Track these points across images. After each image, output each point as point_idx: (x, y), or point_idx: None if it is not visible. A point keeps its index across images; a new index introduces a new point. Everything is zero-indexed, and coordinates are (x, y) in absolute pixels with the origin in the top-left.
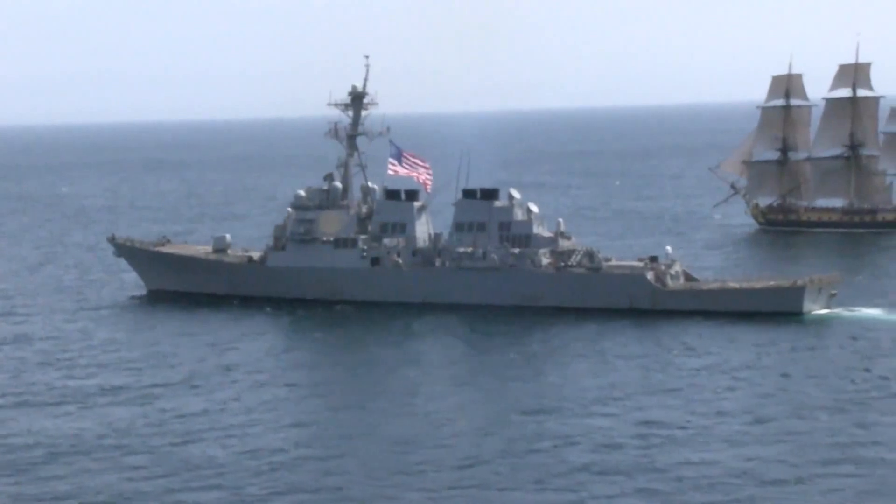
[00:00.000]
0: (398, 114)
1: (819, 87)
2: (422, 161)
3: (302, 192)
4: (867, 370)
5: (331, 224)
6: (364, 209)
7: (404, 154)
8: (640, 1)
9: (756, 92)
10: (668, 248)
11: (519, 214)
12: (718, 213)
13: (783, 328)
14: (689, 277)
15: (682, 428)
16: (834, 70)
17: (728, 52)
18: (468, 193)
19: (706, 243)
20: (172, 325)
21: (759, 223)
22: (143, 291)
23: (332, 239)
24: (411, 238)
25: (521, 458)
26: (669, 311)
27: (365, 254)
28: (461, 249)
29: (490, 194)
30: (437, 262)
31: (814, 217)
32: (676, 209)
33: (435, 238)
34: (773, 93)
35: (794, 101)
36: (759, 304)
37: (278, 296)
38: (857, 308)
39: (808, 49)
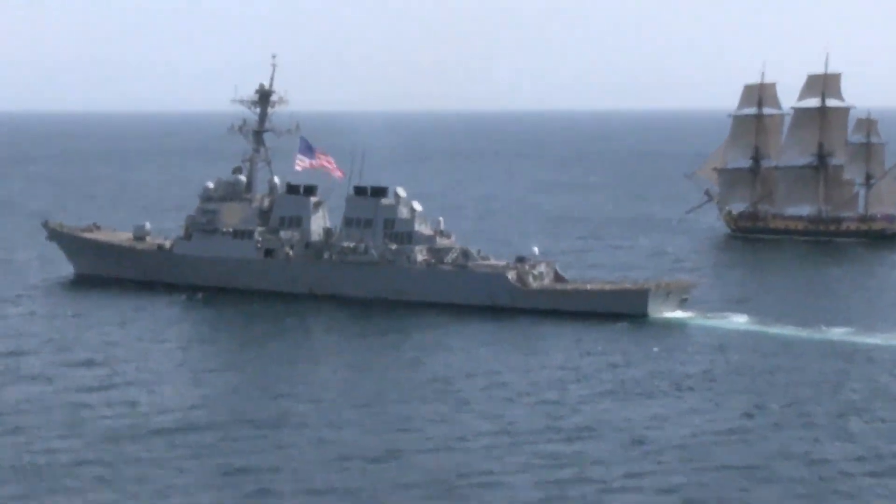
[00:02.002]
0: (313, 111)
1: (791, 97)
2: (328, 159)
3: (210, 185)
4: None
5: (232, 216)
6: (266, 202)
7: (316, 150)
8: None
9: (728, 101)
10: (535, 248)
11: (403, 212)
12: (691, 217)
13: (605, 329)
14: (558, 277)
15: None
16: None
17: (699, 60)
18: (359, 190)
19: (675, 247)
20: (80, 306)
21: (731, 229)
22: (72, 274)
23: (231, 230)
24: (306, 231)
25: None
26: (529, 310)
27: (259, 245)
28: (345, 244)
29: (379, 192)
30: (326, 256)
31: (781, 225)
32: (651, 212)
33: (326, 233)
34: (745, 101)
35: (767, 110)
36: (608, 305)
37: (185, 283)
38: (721, 314)
39: (780, 59)
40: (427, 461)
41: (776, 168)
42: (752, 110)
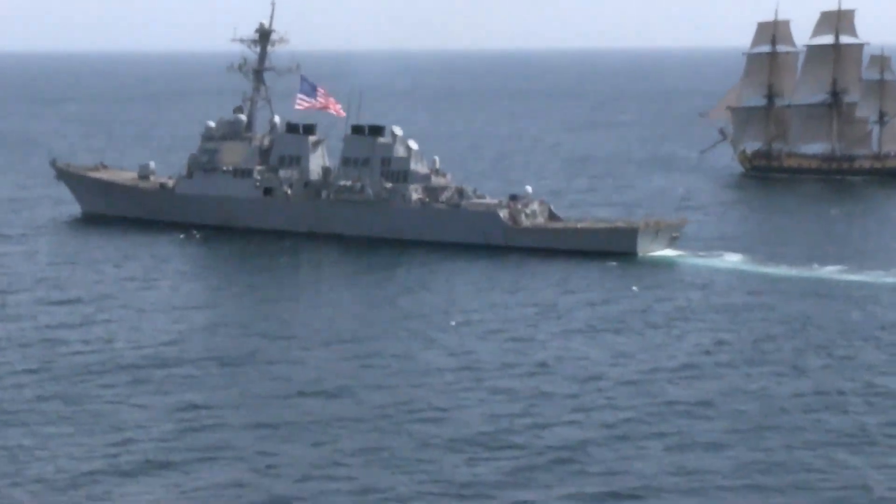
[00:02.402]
0: (316, 51)
1: (805, 35)
2: (330, 97)
3: (212, 124)
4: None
5: (232, 154)
6: (267, 142)
7: (319, 88)
8: None
9: (741, 38)
10: (528, 187)
11: (400, 151)
12: (707, 157)
13: (593, 267)
14: (552, 216)
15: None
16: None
17: None
18: (356, 129)
19: (689, 187)
20: (79, 245)
21: (746, 169)
22: (79, 213)
23: (231, 169)
24: (305, 170)
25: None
26: (520, 248)
27: (258, 184)
28: (342, 183)
29: (376, 131)
30: (324, 195)
31: (794, 164)
32: (670, 151)
33: (325, 171)
34: (758, 39)
35: (781, 48)
36: (598, 244)
37: (186, 221)
38: (714, 253)
39: None
40: (381, 397)
41: (789, 106)
42: (765, 48)
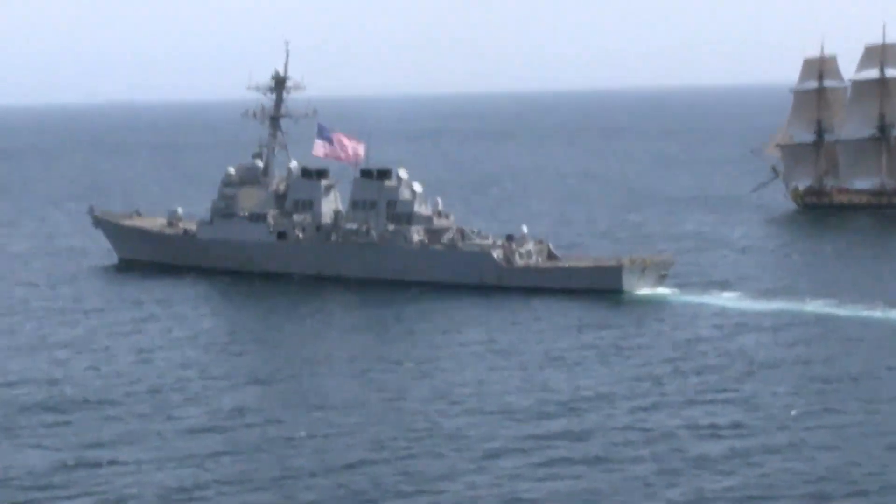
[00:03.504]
0: (332, 97)
1: (851, 69)
2: (350, 140)
3: (231, 170)
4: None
5: (249, 200)
6: (282, 187)
7: (335, 134)
8: None
9: (785, 74)
10: (524, 227)
11: (405, 194)
12: (759, 195)
13: (574, 305)
14: (551, 255)
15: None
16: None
17: (754, 33)
18: (365, 173)
19: (743, 225)
20: (98, 292)
21: (798, 206)
22: (115, 260)
23: (247, 214)
24: (317, 214)
25: None
26: (513, 288)
27: (272, 228)
28: (349, 226)
29: (383, 174)
30: (333, 238)
31: (845, 199)
32: (714, 190)
33: (336, 215)
34: (805, 75)
35: (828, 83)
36: (585, 282)
37: (208, 266)
38: (708, 291)
39: (838, 30)
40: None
41: (838, 142)
42: (812, 84)
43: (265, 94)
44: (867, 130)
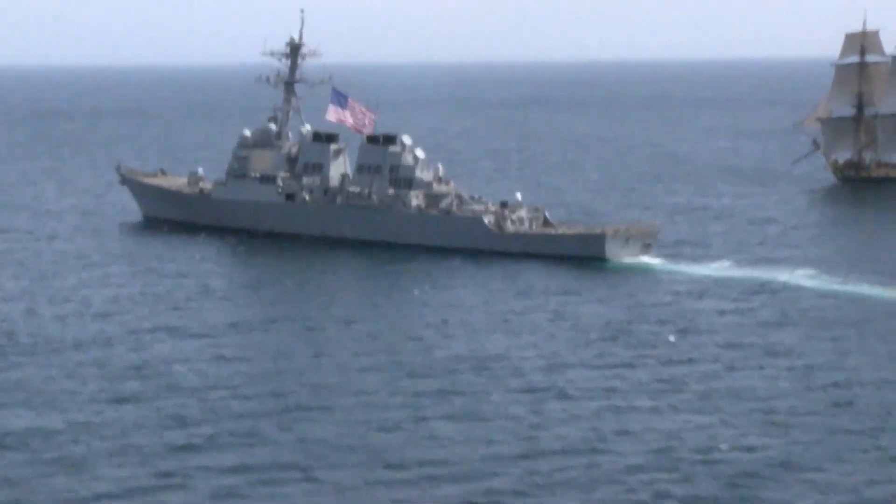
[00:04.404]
0: (348, 63)
1: (892, 43)
2: (362, 107)
3: (247, 132)
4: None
5: (261, 162)
6: (294, 150)
7: (349, 101)
8: None
9: (827, 49)
10: (518, 194)
11: (408, 159)
12: (799, 166)
13: (555, 272)
14: (546, 223)
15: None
16: None
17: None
18: (371, 139)
19: (780, 197)
20: (121, 246)
21: (837, 178)
22: (140, 217)
23: (258, 175)
24: (325, 177)
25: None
26: (505, 253)
27: (281, 190)
28: (353, 189)
29: (389, 140)
30: (339, 200)
31: (882, 173)
32: (755, 162)
33: (343, 178)
34: (847, 50)
35: (870, 58)
36: (570, 249)
37: (223, 225)
38: (698, 260)
39: (882, 6)
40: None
41: (877, 116)
42: (854, 59)
43: (280, 60)
44: None
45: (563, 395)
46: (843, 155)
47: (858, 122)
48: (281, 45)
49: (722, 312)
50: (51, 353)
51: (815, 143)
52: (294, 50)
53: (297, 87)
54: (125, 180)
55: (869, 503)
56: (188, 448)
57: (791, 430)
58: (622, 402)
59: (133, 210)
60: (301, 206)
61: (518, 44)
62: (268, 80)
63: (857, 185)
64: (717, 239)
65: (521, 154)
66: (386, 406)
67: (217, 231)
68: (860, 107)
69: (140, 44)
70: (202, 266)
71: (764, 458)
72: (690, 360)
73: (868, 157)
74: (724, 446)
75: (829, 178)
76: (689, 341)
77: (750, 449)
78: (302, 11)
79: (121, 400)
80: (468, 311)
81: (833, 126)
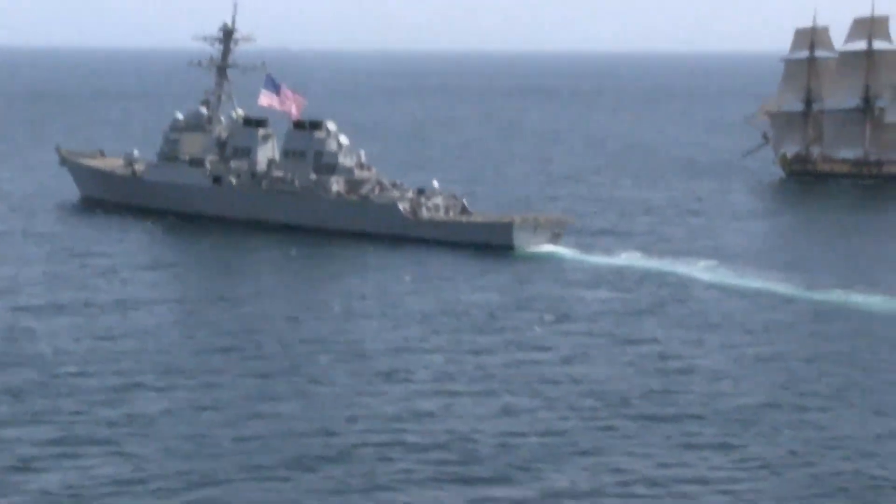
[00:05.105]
0: (281, 49)
1: (842, 41)
2: (293, 93)
3: (179, 116)
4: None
5: (191, 145)
6: (224, 134)
7: (281, 86)
8: None
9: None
10: (435, 182)
11: (332, 145)
12: (746, 161)
13: (457, 259)
14: (464, 210)
15: None
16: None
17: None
18: (297, 124)
19: (723, 190)
20: (46, 226)
21: (786, 173)
22: (76, 196)
23: (188, 158)
24: (253, 162)
25: None
26: (417, 239)
27: (209, 173)
28: (277, 174)
29: (315, 126)
30: (265, 185)
31: (828, 168)
32: (708, 155)
33: (270, 163)
34: (797, 45)
35: (820, 53)
36: (481, 237)
37: (155, 207)
38: (610, 251)
39: (831, 3)
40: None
41: (823, 111)
42: (804, 54)
43: (212, 45)
44: (852, 101)
45: (390, 378)
46: (792, 149)
47: (807, 116)
48: (214, 31)
49: (604, 301)
50: None
51: (766, 137)
52: (227, 35)
53: (230, 72)
54: (65, 161)
55: (646, 482)
56: None
57: (596, 415)
58: (445, 386)
59: (73, 191)
60: (228, 189)
61: (483, 34)
62: (199, 63)
63: (803, 179)
64: (640, 230)
65: (485, 144)
66: (222, 385)
67: (148, 213)
68: (809, 101)
69: (76, 25)
70: (118, 246)
71: (557, 441)
72: (544, 348)
73: (815, 151)
74: (523, 430)
75: (778, 171)
76: (556, 329)
77: (546, 433)
78: None
79: None
80: (356, 296)
81: (782, 120)
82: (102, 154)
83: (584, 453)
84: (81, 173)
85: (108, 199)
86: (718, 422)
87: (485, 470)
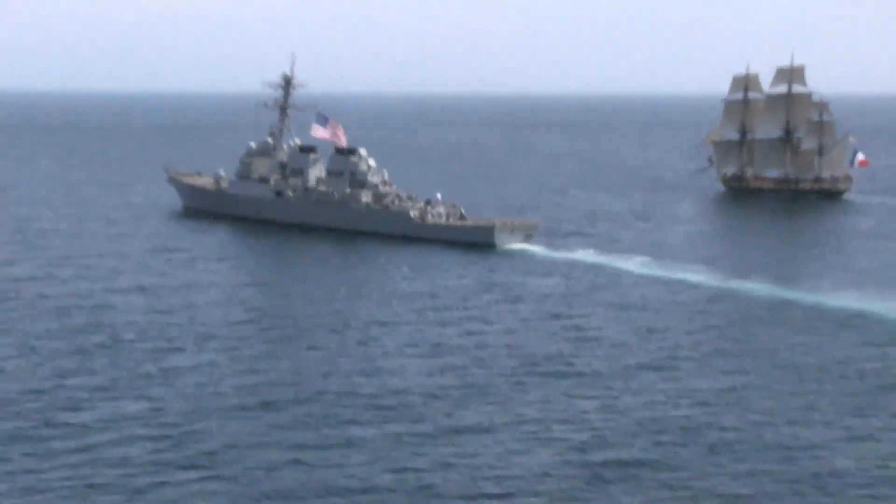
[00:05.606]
0: (330, 93)
1: (767, 82)
2: (339, 128)
3: (252, 144)
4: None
5: (260, 167)
6: (285, 158)
7: (330, 121)
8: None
9: (713, 84)
10: (438, 194)
11: (363, 166)
12: (697, 178)
13: (453, 254)
14: (462, 217)
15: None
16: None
17: (688, 48)
18: (338, 150)
19: (674, 201)
20: (163, 229)
21: (726, 188)
22: (180, 206)
23: (257, 177)
24: (306, 179)
25: None
26: (424, 239)
27: (272, 188)
28: (322, 189)
29: (350, 152)
30: (313, 197)
31: (758, 184)
32: (665, 173)
33: (318, 180)
34: (734, 88)
35: (752, 95)
36: (470, 237)
37: (235, 214)
38: (570, 248)
39: (758, 50)
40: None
41: (755, 140)
42: (739, 95)
43: (276, 90)
44: (776, 132)
45: (364, 344)
46: (730, 169)
47: (742, 144)
48: (276, 78)
49: (550, 287)
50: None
51: (710, 160)
52: (287, 82)
53: (290, 111)
54: (170, 179)
55: (533, 422)
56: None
57: (512, 372)
58: (404, 350)
59: (177, 202)
60: (286, 201)
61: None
62: (265, 104)
63: (739, 193)
64: (599, 232)
65: (502, 164)
66: (239, 349)
67: (229, 219)
68: (743, 132)
69: (162, 72)
70: (199, 244)
71: (473, 392)
72: (491, 322)
73: (748, 171)
74: (452, 384)
75: (720, 187)
76: (506, 307)
77: (466, 386)
78: (293, 54)
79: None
80: (362, 282)
81: (723, 147)
82: (199, 173)
83: (492, 402)
84: (183, 188)
85: (201, 208)
86: (602, 378)
87: (412, 413)
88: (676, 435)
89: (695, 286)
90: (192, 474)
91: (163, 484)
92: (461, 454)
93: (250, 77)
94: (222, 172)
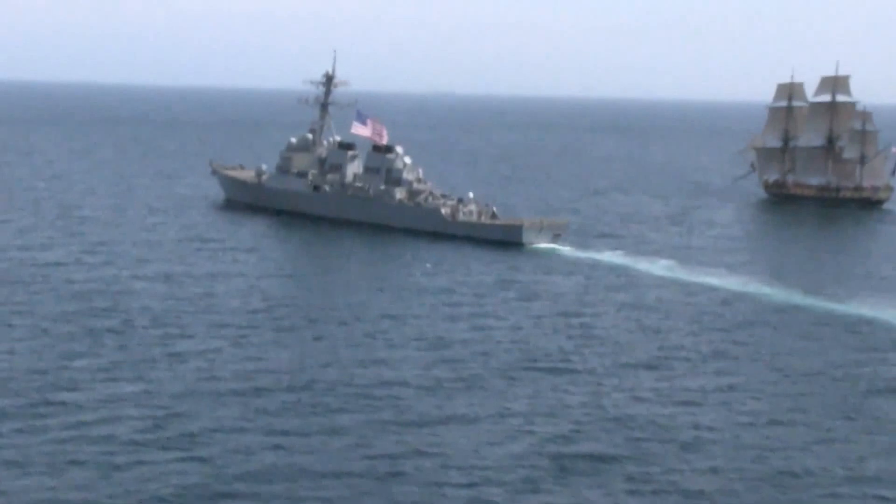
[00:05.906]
0: (370, 90)
1: (812, 90)
2: (378, 124)
3: (293, 140)
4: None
5: (300, 162)
6: (324, 154)
7: (369, 119)
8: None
9: (759, 92)
10: (470, 193)
11: (399, 164)
12: (739, 184)
13: (482, 251)
14: (493, 215)
15: None
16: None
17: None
18: (375, 148)
19: (715, 206)
20: (208, 218)
21: (767, 194)
22: (222, 198)
23: (297, 172)
24: (343, 175)
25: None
26: (455, 236)
27: (310, 183)
28: (358, 185)
29: (388, 149)
30: (350, 193)
31: (799, 192)
32: (707, 178)
33: (355, 176)
34: (778, 96)
35: (796, 103)
36: (499, 235)
37: (275, 207)
38: (596, 249)
39: (805, 60)
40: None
41: (797, 147)
42: (783, 103)
43: (317, 87)
44: (819, 140)
45: (371, 336)
46: (772, 176)
47: (784, 151)
48: (318, 76)
49: (568, 286)
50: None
51: (752, 166)
52: (328, 80)
53: (330, 108)
54: (214, 172)
55: (517, 415)
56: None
57: (508, 366)
58: (408, 343)
59: (220, 194)
60: (324, 195)
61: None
62: (307, 101)
63: (779, 200)
64: (630, 234)
65: (551, 166)
66: (248, 337)
67: (268, 212)
68: (786, 139)
69: (214, 68)
70: (234, 234)
71: (465, 385)
72: (501, 318)
73: (790, 178)
74: (446, 377)
75: (761, 193)
76: (519, 304)
77: (460, 379)
78: (335, 51)
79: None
80: (383, 276)
81: (765, 153)
82: (242, 167)
83: (481, 395)
84: (225, 181)
85: (243, 200)
86: (594, 375)
87: (401, 404)
88: (653, 432)
89: (712, 289)
90: (170, 455)
91: (140, 462)
92: (438, 444)
93: (294, 74)
94: (264, 167)
